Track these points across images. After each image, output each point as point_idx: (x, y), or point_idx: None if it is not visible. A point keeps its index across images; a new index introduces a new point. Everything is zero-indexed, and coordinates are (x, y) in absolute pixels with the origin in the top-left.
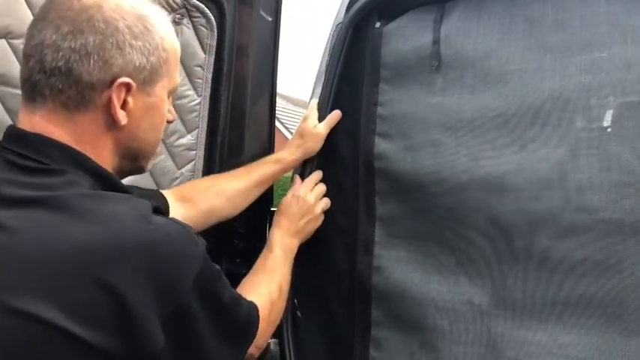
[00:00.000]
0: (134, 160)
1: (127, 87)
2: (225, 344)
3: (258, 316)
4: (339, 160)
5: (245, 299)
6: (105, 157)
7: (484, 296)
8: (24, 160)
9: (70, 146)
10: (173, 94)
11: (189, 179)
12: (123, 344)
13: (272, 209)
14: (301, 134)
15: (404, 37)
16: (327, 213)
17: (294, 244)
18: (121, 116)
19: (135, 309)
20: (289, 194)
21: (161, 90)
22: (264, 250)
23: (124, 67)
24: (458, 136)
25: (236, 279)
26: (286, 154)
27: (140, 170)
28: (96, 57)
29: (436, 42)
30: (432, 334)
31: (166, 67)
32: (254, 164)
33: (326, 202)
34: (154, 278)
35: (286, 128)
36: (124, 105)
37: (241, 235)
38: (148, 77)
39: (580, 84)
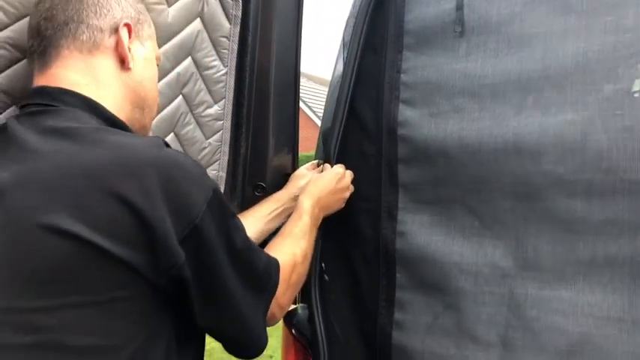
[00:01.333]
0: (141, 111)
1: (129, 29)
2: (245, 288)
3: (278, 271)
4: (362, 128)
5: (263, 252)
6: (118, 104)
7: (507, 258)
8: (43, 107)
9: (84, 94)
10: (157, 63)
11: (217, 149)
12: (145, 257)
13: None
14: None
15: (427, 3)
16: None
17: (320, 216)
18: (129, 56)
19: (153, 223)
20: (329, 170)
21: (151, 48)
22: (293, 216)
23: (123, 15)
24: (482, 100)
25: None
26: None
27: (144, 132)
28: (100, 6)
29: (459, 7)
30: (456, 296)
31: (151, 31)
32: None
33: (351, 190)
34: (167, 196)
35: (308, 107)
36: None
37: (264, 189)
38: (140, 30)
39: (605, 46)
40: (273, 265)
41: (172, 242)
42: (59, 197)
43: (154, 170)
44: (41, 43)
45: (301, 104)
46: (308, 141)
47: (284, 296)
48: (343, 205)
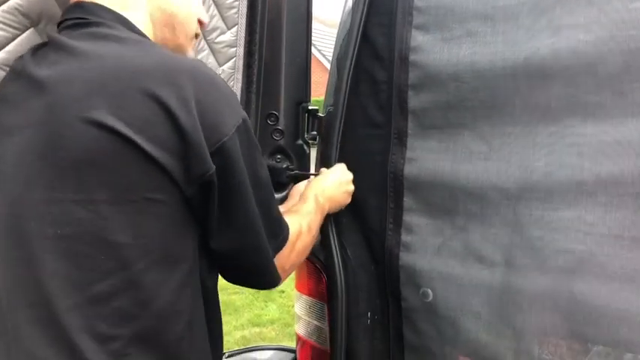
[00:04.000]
0: (172, 30)
1: None
2: (265, 224)
3: (288, 229)
4: (375, 54)
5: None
6: (146, 24)
7: (513, 180)
8: (82, 20)
9: (118, 12)
10: None
11: (231, 76)
12: (178, 162)
13: (310, 108)
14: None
15: None
16: (361, 108)
17: (325, 208)
18: None
19: (187, 130)
20: (330, 169)
21: None
22: (297, 202)
23: None
24: (494, 24)
25: (278, 173)
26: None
27: (181, 51)
28: None
29: None
30: (462, 219)
31: None
32: None
33: (353, 187)
34: (201, 109)
35: (318, 50)
36: None
37: (281, 132)
38: None
39: None
40: (285, 222)
41: (204, 151)
42: (101, 94)
43: (192, 82)
44: None
45: None
46: (318, 85)
47: (288, 259)
48: (349, 200)
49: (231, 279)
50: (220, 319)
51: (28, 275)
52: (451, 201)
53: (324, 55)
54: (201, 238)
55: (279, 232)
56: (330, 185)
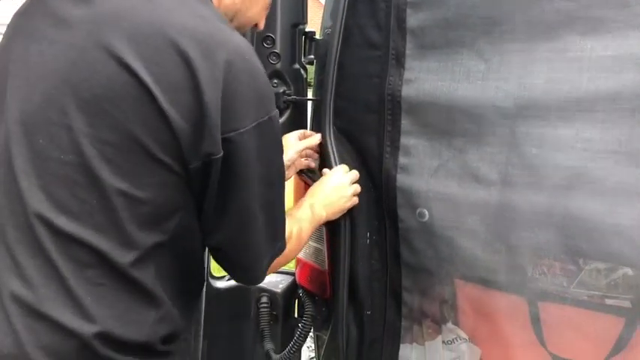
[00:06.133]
0: (229, 20)
1: None
2: (263, 224)
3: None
4: None
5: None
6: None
7: (510, 99)
8: None
9: None
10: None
11: None
12: (191, 133)
13: (306, 30)
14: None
15: None
16: (359, 28)
17: (322, 216)
18: None
19: (209, 107)
20: (329, 172)
21: None
22: (293, 208)
23: None
24: None
25: (275, 98)
26: None
27: None
28: None
29: None
30: (460, 138)
31: None
32: None
33: (356, 188)
34: (226, 94)
35: None
36: None
37: (277, 55)
38: None
39: None
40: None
41: (217, 133)
42: (142, 44)
43: (228, 65)
44: None
45: None
46: (311, 23)
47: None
48: (350, 202)
49: (217, 261)
50: (199, 275)
51: (23, 189)
52: (449, 122)
53: None
54: (194, 210)
55: (281, 236)
56: (329, 193)
